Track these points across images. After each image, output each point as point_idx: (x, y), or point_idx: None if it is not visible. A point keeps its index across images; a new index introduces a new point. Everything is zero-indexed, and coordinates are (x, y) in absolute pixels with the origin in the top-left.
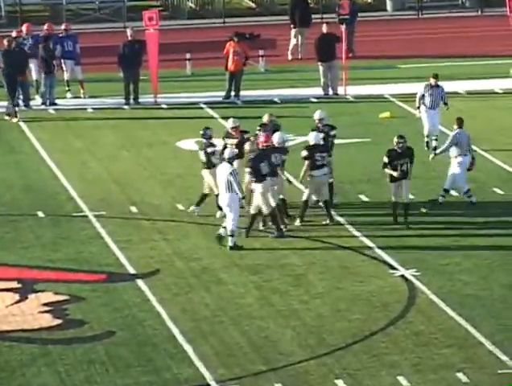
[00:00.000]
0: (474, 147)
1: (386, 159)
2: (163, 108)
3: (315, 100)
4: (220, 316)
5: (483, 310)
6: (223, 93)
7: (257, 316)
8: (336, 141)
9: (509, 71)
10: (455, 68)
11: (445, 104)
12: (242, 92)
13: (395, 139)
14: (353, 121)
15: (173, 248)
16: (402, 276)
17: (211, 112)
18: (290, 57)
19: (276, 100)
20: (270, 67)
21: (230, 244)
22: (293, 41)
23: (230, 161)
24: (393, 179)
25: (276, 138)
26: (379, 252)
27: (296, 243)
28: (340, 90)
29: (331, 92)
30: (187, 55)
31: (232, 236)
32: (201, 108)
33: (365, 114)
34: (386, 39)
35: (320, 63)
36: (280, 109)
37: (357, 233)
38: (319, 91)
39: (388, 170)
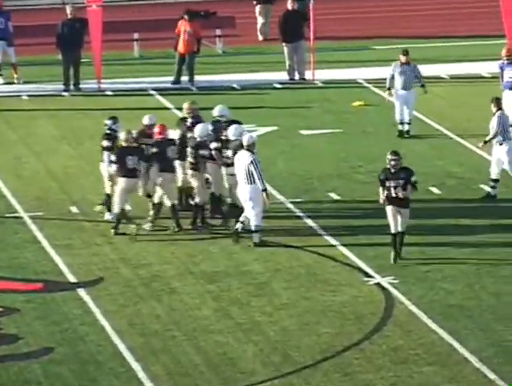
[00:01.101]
0: (459, 139)
1: (379, 178)
2: (107, 95)
3: (279, 85)
4: (172, 330)
5: (469, 322)
6: (171, 78)
7: (214, 330)
8: (304, 132)
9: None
10: (437, 50)
11: (422, 86)
12: (197, 77)
13: (388, 156)
14: (323, 110)
15: (119, 254)
16: (378, 284)
17: (161, 99)
18: (260, 37)
19: (235, 86)
20: (228, 49)
21: (256, 240)
22: (260, 19)
23: (250, 148)
24: (388, 202)
25: (198, 131)
26: (352, 257)
27: (258, 247)
28: (308, 74)
29: (297, 76)
30: (135, 35)
31: (256, 231)
32: (151, 94)
33: (335, 102)
34: (358, 16)
35: (284, 44)
36: (240, 96)
37: (327, 236)
38: (284, 75)
39: (380, 192)
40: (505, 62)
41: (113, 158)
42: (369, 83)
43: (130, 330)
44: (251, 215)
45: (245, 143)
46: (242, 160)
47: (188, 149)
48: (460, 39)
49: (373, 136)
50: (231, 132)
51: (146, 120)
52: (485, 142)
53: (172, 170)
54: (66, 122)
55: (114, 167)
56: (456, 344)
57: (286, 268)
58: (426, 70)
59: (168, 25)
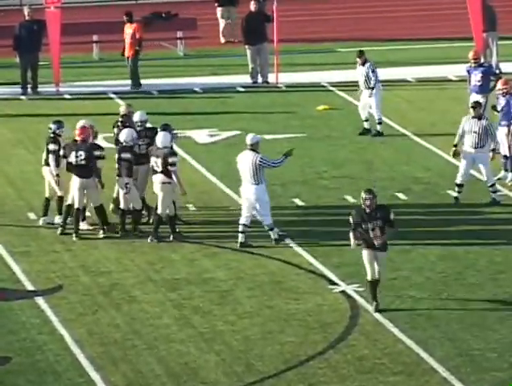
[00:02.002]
0: (425, 144)
1: (351, 219)
2: (65, 99)
3: (242, 89)
4: (132, 339)
5: (436, 331)
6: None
7: (175, 339)
8: (267, 137)
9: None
10: (403, 52)
11: (372, 88)
12: (158, 81)
13: (362, 194)
14: (286, 114)
15: (78, 261)
16: (344, 292)
17: (122, 103)
18: (222, 40)
19: (197, 89)
20: (189, 52)
21: (275, 236)
22: (222, 22)
23: (254, 148)
24: (365, 245)
25: (123, 136)
26: (317, 264)
27: (221, 255)
28: (271, 77)
29: (260, 79)
30: (94, 38)
31: (272, 229)
32: (110, 98)
33: (299, 105)
34: (323, 18)
35: (247, 47)
36: (202, 100)
37: (291, 243)
38: (246, 78)
39: (351, 236)
40: (473, 65)
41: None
42: (333, 86)
43: (89, 339)
44: (261, 216)
45: (248, 142)
46: (246, 160)
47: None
48: (426, 41)
49: (339, 140)
50: (159, 139)
51: (136, 116)
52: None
53: (85, 175)
54: (23, 126)
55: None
56: (423, 353)
57: (250, 275)
58: (392, 73)
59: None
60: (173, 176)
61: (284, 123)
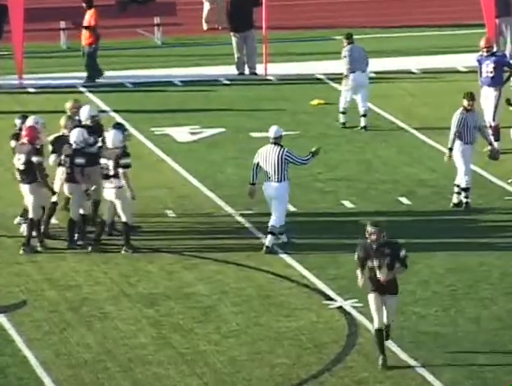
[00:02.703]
0: (431, 142)
1: (356, 256)
2: (30, 93)
3: (227, 81)
4: (105, 361)
5: (444, 351)
6: (107, 73)
7: (152, 361)
8: (255, 135)
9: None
10: (407, 40)
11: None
12: (133, 72)
13: (368, 227)
14: (276, 109)
15: (44, 274)
16: (340, 308)
17: (91, 96)
18: (205, 26)
19: (176, 81)
20: (168, 40)
21: (268, 243)
22: (206, 5)
23: (278, 141)
24: (372, 287)
25: (74, 136)
26: (310, 277)
27: (203, 266)
28: (260, 69)
29: (247, 71)
30: (62, 24)
31: (273, 234)
32: (80, 91)
33: (291, 100)
34: (318, 2)
35: (232, 34)
36: (182, 94)
37: (281, 253)
38: (232, 70)
39: (358, 273)
40: (484, 54)
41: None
42: (329, 78)
43: (56, 361)
44: (274, 214)
45: (272, 135)
46: (270, 155)
47: (63, 157)
48: (433, 28)
49: (335, 139)
50: (109, 139)
51: (85, 112)
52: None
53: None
54: None
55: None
56: (429, 376)
57: (236, 289)
58: (394, 63)
59: (102, 12)
60: (123, 181)
61: (274, 119)
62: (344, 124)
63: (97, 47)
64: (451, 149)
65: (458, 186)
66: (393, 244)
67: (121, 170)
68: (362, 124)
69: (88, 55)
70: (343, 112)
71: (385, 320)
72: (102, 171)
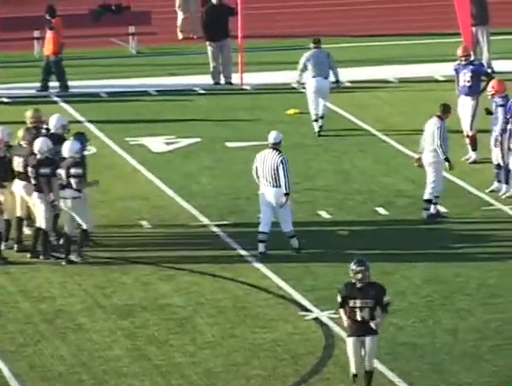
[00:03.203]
0: (409, 152)
1: (339, 298)
2: (3, 103)
3: (202, 91)
4: (79, 373)
5: (421, 362)
6: (81, 83)
7: (128, 373)
8: (231, 145)
9: None
10: (383, 49)
11: (336, 81)
12: (108, 82)
13: (352, 266)
14: (252, 119)
15: (17, 285)
16: (317, 319)
17: (67, 107)
18: (180, 36)
19: (151, 91)
20: (143, 49)
21: (295, 245)
22: (180, 15)
23: (277, 147)
24: (351, 331)
25: (37, 146)
26: (287, 288)
27: (179, 277)
28: (235, 78)
29: (223, 80)
30: (35, 34)
31: (292, 236)
32: (54, 102)
33: (267, 109)
34: (294, 11)
35: (208, 44)
36: (157, 103)
37: (257, 264)
38: (207, 79)
39: (342, 315)
40: (461, 63)
41: None
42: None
43: (30, 373)
44: (281, 222)
45: (271, 141)
46: (268, 160)
47: (29, 168)
48: (410, 37)
49: (311, 148)
50: (65, 148)
51: (53, 121)
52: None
53: None
54: None
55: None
56: None
57: (211, 301)
58: (371, 72)
59: (75, 21)
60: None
61: (250, 129)
62: (319, 132)
63: (61, 57)
64: (447, 159)
65: (430, 200)
66: (378, 287)
67: (72, 180)
68: (319, 124)
69: (56, 64)
70: (315, 120)
71: (366, 364)
72: (58, 181)
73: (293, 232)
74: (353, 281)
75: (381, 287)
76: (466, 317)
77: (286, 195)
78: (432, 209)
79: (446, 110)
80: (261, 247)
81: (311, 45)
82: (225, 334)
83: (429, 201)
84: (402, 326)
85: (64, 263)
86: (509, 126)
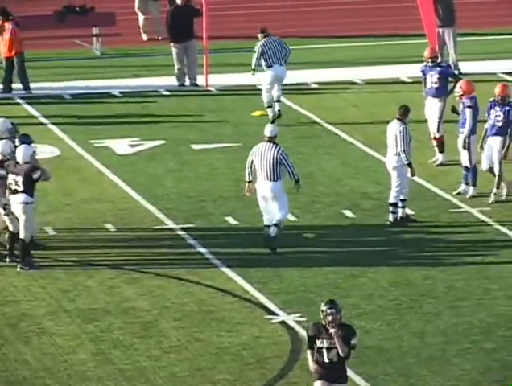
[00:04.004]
0: (375, 154)
1: (306, 337)
2: None
3: (166, 92)
4: (43, 377)
5: (388, 366)
6: (45, 84)
7: (92, 377)
8: (196, 147)
9: None
10: (350, 51)
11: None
12: (71, 83)
13: (322, 307)
14: (218, 120)
15: None
16: (283, 323)
17: (30, 109)
18: (144, 37)
19: (115, 93)
20: (107, 50)
21: (272, 233)
22: (141, 16)
23: (274, 140)
24: (319, 375)
25: (0, 148)
26: (253, 291)
27: (143, 281)
28: (201, 79)
29: (188, 82)
30: None
31: (277, 225)
32: (17, 103)
33: (232, 111)
34: (260, 12)
35: (172, 45)
36: (121, 105)
37: (223, 267)
38: (172, 81)
39: (309, 357)
40: (429, 65)
41: None
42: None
43: None
44: (277, 212)
45: (268, 134)
46: (265, 153)
47: None
48: (375, 38)
49: None
50: (20, 154)
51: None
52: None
53: None
54: None
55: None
56: None
57: (177, 304)
58: (337, 74)
59: (40, 22)
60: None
61: (216, 131)
62: (274, 118)
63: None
64: (410, 165)
65: (396, 204)
66: (347, 328)
67: (33, 184)
68: (277, 108)
69: (19, 65)
70: (269, 106)
71: None
72: (10, 187)
73: (281, 222)
74: (322, 321)
75: (351, 329)
76: (433, 320)
77: (297, 182)
78: (401, 213)
79: (406, 112)
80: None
81: (260, 35)
82: (190, 338)
83: (395, 205)
84: (369, 329)
85: (18, 268)
86: (486, 125)
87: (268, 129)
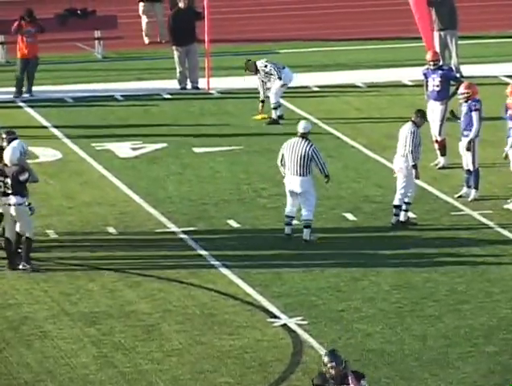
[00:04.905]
0: (377, 158)
1: (312, 382)
2: None
3: (168, 96)
4: (45, 381)
5: (390, 369)
6: (47, 88)
7: (94, 380)
8: (198, 150)
9: None
10: (352, 54)
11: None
12: (73, 87)
13: (324, 358)
14: (220, 124)
15: None
16: (285, 326)
17: (32, 112)
18: (146, 40)
19: (117, 96)
20: (109, 54)
21: (306, 237)
22: (144, 19)
23: (306, 136)
24: None
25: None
26: (255, 294)
27: (145, 284)
28: (202, 83)
29: (189, 85)
30: (1, 38)
31: (308, 227)
32: (19, 106)
33: (234, 114)
34: (261, 15)
35: (174, 48)
36: (123, 108)
37: (225, 271)
38: (174, 84)
39: None
40: (430, 68)
41: None
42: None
43: None
44: (305, 208)
45: (301, 130)
46: (296, 148)
47: None
48: (377, 41)
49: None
50: (7, 157)
51: None
52: None
53: None
54: None
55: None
56: None
57: (178, 307)
58: (339, 77)
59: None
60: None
61: (217, 134)
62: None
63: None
64: (415, 167)
65: (399, 206)
66: (355, 374)
67: (20, 186)
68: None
69: (34, 68)
70: (275, 108)
71: None
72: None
73: (311, 223)
74: (323, 371)
75: (359, 375)
76: (435, 323)
77: (327, 177)
78: (403, 216)
79: (422, 117)
80: (287, 229)
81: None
82: (192, 342)
83: (398, 207)
84: (371, 332)
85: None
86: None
87: (301, 126)
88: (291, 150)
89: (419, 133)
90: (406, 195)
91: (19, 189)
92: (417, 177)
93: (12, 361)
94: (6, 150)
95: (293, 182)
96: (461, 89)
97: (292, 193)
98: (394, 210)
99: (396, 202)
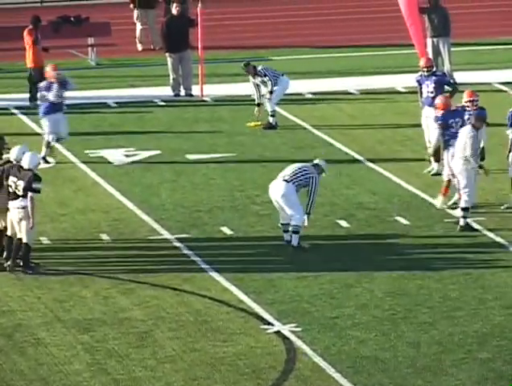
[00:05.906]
0: (371, 165)
1: None
2: None
3: (162, 103)
4: None
5: (384, 376)
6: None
7: None
8: (191, 157)
9: None
10: (345, 60)
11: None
12: (67, 93)
13: None
14: (213, 131)
15: None
16: (278, 333)
17: (25, 119)
18: (139, 47)
19: (110, 103)
20: (102, 60)
21: (293, 243)
22: (139, 26)
23: (319, 167)
24: None
25: (15, 154)
26: (248, 301)
27: (139, 291)
28: (196, 90)
29: (183, 92)
30: None
31: (296, 233)
32: (12, 113)
33: (227, 121)
34: (255, 22)
35: (168, 55)
36: (116, 115)
37: (218, 277)
38: (167, 91)
39: None
40: (424, 74)
41: None
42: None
43: None
44: (292, 214)
45: (317, 161)
46: (301, 166)
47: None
48: (371, 48)
49: (273, 161)
50: (26, 160)
51: None
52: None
53: None
54: None
55: None
56: None
57: (172, 314)
58: (332, 84)
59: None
60: (29, 203)
61: (211, 141)
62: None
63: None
64: (481, 166)
65: (467, 208)
66: None
67: (29, 194)
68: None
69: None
70: (273, 115)
71: None
72: (9, 189)
73: (297, 229)
74: None
75: None
76: (429, 330)
77: (308, 214)
78: (462, 221)
79: (482, 122)
80: (286, 236)
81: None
82: (185, 348)
83: (466, 209)
84: (365, 339)
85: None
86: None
87: (321, 162)
88: (296, 164)
89: (477, 136)
90: (470, 195)
91: (27, 193)
92: (487, 173)
93: (5, 368)
94: (26, 154)
95: (274, 186)
96: (471, 97)
97: (276, 202)
98: (462, 212)
99: (463, 204)
